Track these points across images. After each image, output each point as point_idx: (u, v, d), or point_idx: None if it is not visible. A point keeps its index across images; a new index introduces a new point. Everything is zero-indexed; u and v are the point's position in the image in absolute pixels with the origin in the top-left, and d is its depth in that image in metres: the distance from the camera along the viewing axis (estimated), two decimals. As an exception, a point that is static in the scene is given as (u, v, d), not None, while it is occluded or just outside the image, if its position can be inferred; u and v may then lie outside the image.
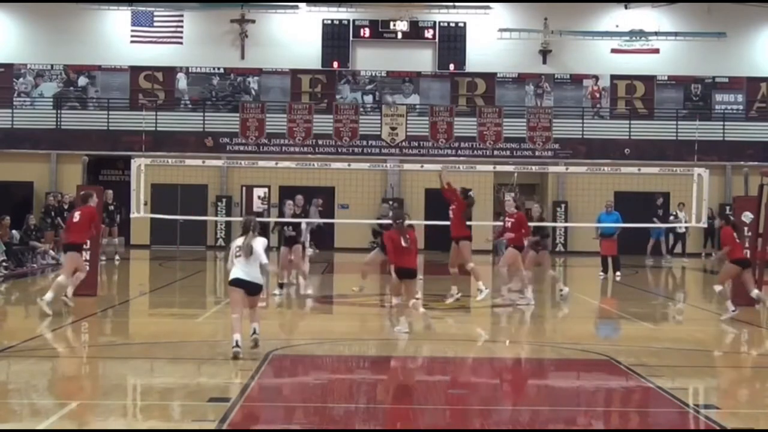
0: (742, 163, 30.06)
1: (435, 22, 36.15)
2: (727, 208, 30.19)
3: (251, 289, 11.62)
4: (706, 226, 21.85)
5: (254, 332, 11.69)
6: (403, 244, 13.50)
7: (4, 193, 32.08)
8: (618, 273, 23.13)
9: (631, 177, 27.68)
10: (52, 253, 25.06)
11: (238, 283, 11.57)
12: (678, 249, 30.86)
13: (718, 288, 16.39)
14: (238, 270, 11.59)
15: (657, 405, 9.49)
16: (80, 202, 16.31)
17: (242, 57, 36.10)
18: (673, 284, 25.47)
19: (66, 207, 25.86)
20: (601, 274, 23.21)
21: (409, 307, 13.78)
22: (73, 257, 15.70)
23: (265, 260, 11.65)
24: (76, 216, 15.86)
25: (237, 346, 11.18)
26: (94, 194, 16.46)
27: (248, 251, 11.54)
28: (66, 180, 32.29)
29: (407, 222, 14.41)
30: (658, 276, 26.81)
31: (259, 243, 11.67)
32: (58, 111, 34.65)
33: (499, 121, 33.60)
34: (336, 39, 35.97)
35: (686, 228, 29.12)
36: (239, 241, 11.74)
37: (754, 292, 16.21)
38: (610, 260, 23.21)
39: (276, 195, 34.32)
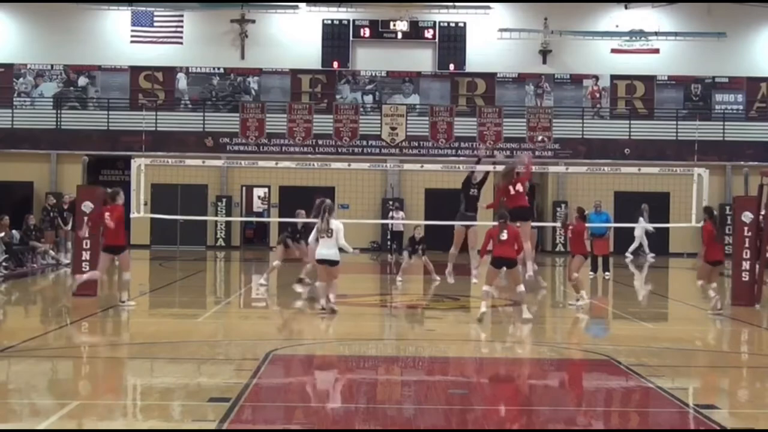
0: (742, 163, 30.08)
1: (435, 22, 36.15)
2: (727, 208, 30.23)
3: (330, 263, 14.80)
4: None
5: (328, 301, 14.96)
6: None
7: (4, 193, 32.10)
8: (607, 273, 23.19)
9: (631, 177, 27.71)
10: (52, 253, 25.05)
11: (321, 260, 14.95)
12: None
13: None
14: (322, 249, 14.86)
15: (657, 405, 9.49)
16: (109, 201, 16.45)
17: (242, 57, 36.11)
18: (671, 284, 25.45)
19: (66, 207, 25.84)
20: (591, 273, 23.25)
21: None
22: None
23: (343, 243, 14.83)
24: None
25: (322, 309, 15.01)
26: (121, 192, 16.75)
27: (328, 232, 14.74)
28: (66, 180, 32.32)
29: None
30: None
31: (337, 226, 14.81)
32: (58, 111, 34.65)
33: (499, 121, 33.61)
34: (336, 39, 35.97)
35: None
36: (318, 224, 14.95)
37: None
38: (600, 260, 23.26)
39: (276, 195, 34.37)
